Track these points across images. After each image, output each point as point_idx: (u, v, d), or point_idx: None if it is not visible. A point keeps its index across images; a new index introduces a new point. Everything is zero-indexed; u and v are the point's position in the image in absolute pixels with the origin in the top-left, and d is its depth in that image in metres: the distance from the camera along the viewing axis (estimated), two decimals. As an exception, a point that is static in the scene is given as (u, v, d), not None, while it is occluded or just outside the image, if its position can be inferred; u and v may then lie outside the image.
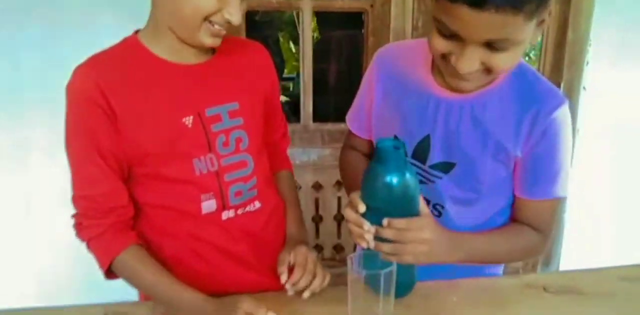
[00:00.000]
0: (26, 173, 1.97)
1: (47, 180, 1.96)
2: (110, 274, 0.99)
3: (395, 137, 1.07)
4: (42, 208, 2.00)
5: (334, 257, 2.30)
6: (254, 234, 1.10)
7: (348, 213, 0.90)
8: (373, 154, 1.03)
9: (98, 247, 0.98)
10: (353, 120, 1.19)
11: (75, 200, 0.98)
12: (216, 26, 0.91)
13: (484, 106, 0.98)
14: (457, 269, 1.04)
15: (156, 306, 0.99)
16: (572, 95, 2.15)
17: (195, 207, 1.02)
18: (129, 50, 0.98)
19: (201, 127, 0.99)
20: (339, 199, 2.24)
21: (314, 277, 0.99)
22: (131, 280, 0.99)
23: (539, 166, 1.00)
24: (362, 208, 0.87)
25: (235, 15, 0.90)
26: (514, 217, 1.07)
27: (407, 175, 0.85)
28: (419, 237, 0.87)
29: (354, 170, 1.16)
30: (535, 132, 0.96)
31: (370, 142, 1.19)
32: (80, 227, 0.98)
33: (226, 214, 1.05)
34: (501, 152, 0.99)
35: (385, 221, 0.85)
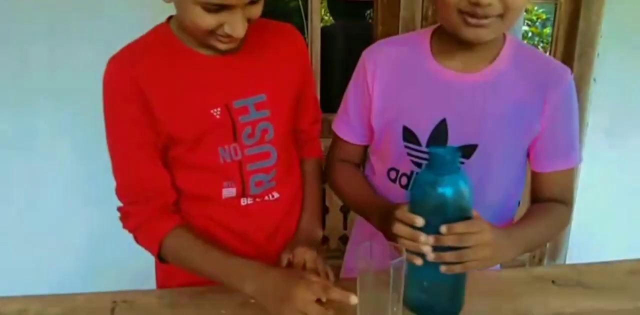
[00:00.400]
0: (31, 162, 1.97)
1: (52, 169, 1.96)
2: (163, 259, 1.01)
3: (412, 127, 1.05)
4: (48, 197, 2.00)
5: (339, 249, 2.30)
6: (272, 223, 1.10)
7: (401, 229, 0.85)
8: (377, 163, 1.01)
9: (144, 234, 0.99)
10: (342, 127, 1.15)
11: (120, 189, 1.00)
12: (221, 38, 0.90)
13: (495, 83, 1.00)
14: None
15: (164, 295, 0.99)
16: (582, 87, 2.12)
17: (216, 192, 1.03)
18: (161, 41, 0.98)
19: (229, 119, 0.99)
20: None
21: (317, 275, 0.98)
22: (182, 262, 0.99)
23: (558, 137, 1.04)
24: (421, 221, 0.82)
25: (237, 30, 0.88)
26: (536, 196, 1.09)
27: (464, 182, 0.83)
28: (480, 240, 0.83)
29: (358, 187, 1.13)
30: (551, 104, 0.99)
31: (363, 147, 1.17)
32: (127, 216, 1.00)
33: (245, 201, 1.06)
34: (521, 127, 1.01)
35: (444, 228, 0.81)
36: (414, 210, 0.85)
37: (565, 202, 1.07)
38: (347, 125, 1.14)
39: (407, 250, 0.84)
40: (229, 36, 0.89)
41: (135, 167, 0.98)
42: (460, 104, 1.01)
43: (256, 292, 0.89)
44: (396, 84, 1.05)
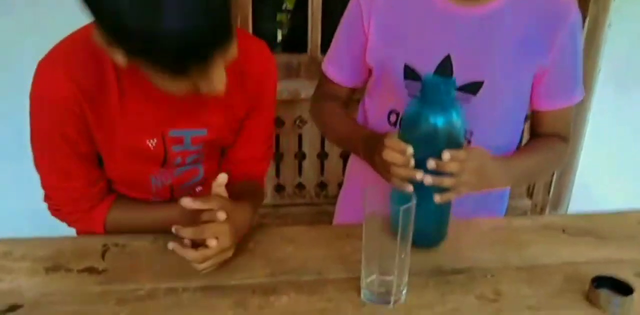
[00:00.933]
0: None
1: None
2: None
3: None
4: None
5: (318, 195, 2.27)
6: None
7: (390, 154, 0.83)
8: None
9: (82, 225, 0.96)
10: (331, 67, 1.11)
11: (50, 190, 0.93)
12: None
13: (502, 17, 0.96)
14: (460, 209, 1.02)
15: (157, 239, 0.94)
16: (596, 32, 2.03)
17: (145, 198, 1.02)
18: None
19: (162, 149, 0.93)
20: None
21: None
22: (130, 227, 0.96)
23: (565, 72, 1.02)
24: (410, 150, 0.81)
25: (217, 87, 0.75)
26: (536, 131, 1.09)
27: (457, 113, 0.81)
28: (476, 166, 0.84)
29: (343, 120, 1.10)
30: (559, 38, 0.97)
31: (350, 90, 1.14)
32: (59, 213, 0.95)
33: None
34: (528, 62, 0.99)
35: (446, 154, 0.80)
36: (404, 139, 0.83)
37: (565, 138, 1.08)
38: (336, 66, 1.11)
39: (394, 179, 0.84)
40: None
41: (70, 175, 0.91)
42: (464, 38, 0.97)
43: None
44: (395, 19, 1.01)
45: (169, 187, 1.01)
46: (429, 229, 0.89)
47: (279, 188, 2.23)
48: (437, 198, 0.84)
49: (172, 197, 1.02)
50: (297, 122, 2.09)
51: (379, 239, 0.76)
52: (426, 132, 0.81)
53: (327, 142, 2.19)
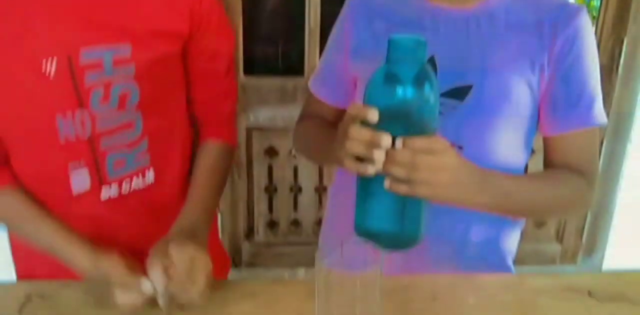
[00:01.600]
0: None
1: None
2: None
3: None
4: None
5: (316, 233, 2.10)
6: (154, 218, 0.89)
7: (354, 129, 0.68)
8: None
9: None
10: (320, 85, 1.02)
11: None
12: None
13: (492, 17, 0.89)
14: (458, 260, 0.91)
15: (90, 288, 0.79)
16: (636, 53, 1.85)
17: (63, 184, 0.82)
18: None
19: (68, 77, 0.74)
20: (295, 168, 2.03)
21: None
22: (9, 226, 0.87)
23: (572, 86, 0.88)
24: (375, 115, 0.66)
25: None
26: (549, 162, 0.92)
27: (429, 82, 0.68)
28: (439, 162, 0.69)
29: (321, 131, 0.98)
30: (560, 43, 0.87)
31: (339, 110, 1.02)
32: None
33: (107, 192, 0.84)
34: (526, 67, 0.87)
35: (399, 142, 0.66)
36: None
37: (582, 172, 0.89)
38: (324, 83, 1.02)
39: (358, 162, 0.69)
40: None
41: None
42: (450, 37, 0.89)
43: (85, 277, 0.79)
44: (380, 23, 0.93)
45: (86, 143, 0.80)
46: (397, 226, 0.73)
47: (272, 225, 2.09)
48: (387, 183, 0.68)
49: (94, 161, 0.81)
50: (293, 152, 1.96)
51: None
52: (390, 107, 0.67)
53: (325, 175, 2.05)
